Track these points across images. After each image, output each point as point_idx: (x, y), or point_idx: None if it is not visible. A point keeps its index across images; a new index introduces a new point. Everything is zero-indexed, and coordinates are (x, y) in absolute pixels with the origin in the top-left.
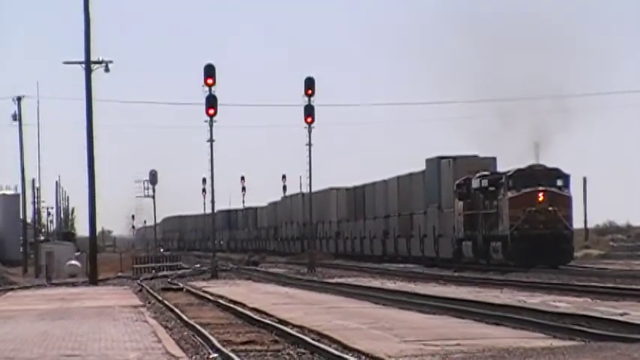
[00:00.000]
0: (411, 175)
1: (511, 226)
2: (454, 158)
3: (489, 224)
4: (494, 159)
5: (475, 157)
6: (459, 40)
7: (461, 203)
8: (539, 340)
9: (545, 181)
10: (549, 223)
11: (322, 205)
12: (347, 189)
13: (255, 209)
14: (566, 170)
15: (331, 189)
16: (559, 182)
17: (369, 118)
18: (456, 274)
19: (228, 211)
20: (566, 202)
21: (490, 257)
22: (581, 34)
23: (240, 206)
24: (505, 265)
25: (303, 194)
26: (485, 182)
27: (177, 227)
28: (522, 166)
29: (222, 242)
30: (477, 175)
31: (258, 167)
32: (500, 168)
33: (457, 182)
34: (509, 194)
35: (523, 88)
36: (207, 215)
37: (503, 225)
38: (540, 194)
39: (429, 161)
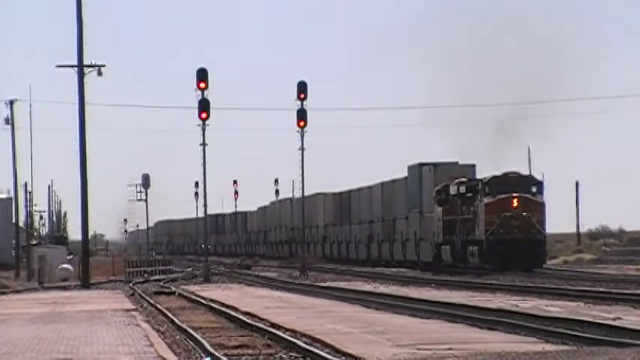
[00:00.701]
0: (393, 181)
1: (486, 230)
2: (435, 165)
3: (466, 229)
4: (473, 166)
5: (455, 163)
6: (444, 44)
7: (440, 209)
8: (531, 345)
9: (520, 188)
10: (523, 228)
11: (310, 210)
12: (333, 194)
13: (245, 213)
14: (539, 177)
15: (318, 194)
16: (533, 189)
17: (363, 122)
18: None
19: (216, 216)
20: (540, 207)
21: (467, 261)
22: (569, 39)
23: (228, 210)
24: (481, 269)
25: (291, 199)
26: (462, 188)
27: (166, 231)
28: (498, 173)
29: (209, 246)
30: (455, 181)
31: (251, 171)
32: (486, 173)
33: (436, 188)
34: (485, 200)
35: (509, 93)
36: (193, 220)
37: (479, 230)
38: (515, 200)
39: (410, 168)
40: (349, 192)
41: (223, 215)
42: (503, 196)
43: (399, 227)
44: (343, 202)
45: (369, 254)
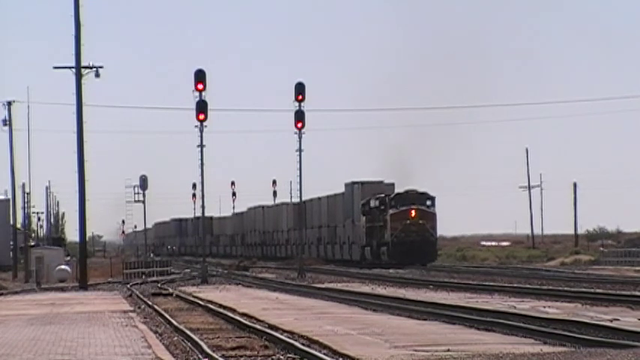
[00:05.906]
0: (335, 195)
1: (392, 234)
2: (362, 183)
3: (380, 233)
4: (392, 184)
5: (380, 182)
6: (417, 48)
7: (364, 218)
8: (529, 346)
9: (417, 201)
10: (419, 233)
11: (277, 216)
12: (294, 203)
13: (211, 218)
14: (433, 193)
15: (282, 203)
16: (427, 202)
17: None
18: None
19: (180, 220)
20: (432, 217)
21: (380, 258)
22: (586, 39)
23: (193, 215)
24: (390, 264)
25: (263, 207)
26: (377, 202)
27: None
28: (401, 190)
29: (174, 247)
30: (375, 196)
31: (249, 172)
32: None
33: (362, 202)
34: (391, 211)
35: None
36: (162, 223)
37: (387, 234)
38: (413, 211)
39: (346, 185)
40: (305, 202)
41: (187, 220)
42: (404, 208)
43: (339, 232)
44: (301, 210)
45: (318, 253)
